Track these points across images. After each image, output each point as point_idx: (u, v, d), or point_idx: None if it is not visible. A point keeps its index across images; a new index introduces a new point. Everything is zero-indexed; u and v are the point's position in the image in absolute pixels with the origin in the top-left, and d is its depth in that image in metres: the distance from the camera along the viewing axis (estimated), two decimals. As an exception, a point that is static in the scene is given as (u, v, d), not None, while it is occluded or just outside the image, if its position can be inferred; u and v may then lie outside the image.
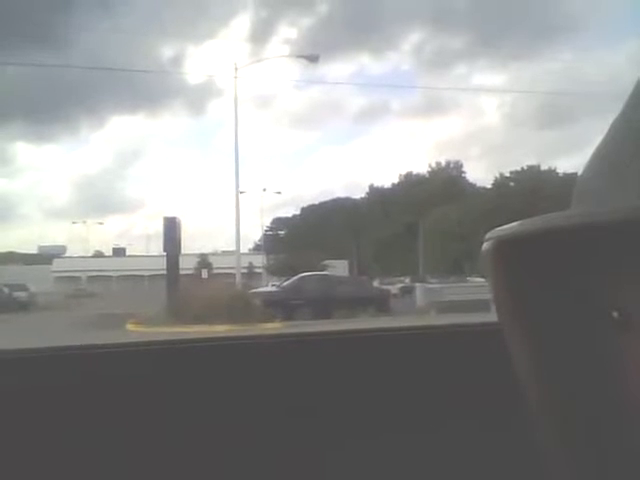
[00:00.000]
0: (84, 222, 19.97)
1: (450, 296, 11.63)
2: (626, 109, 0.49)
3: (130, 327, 10.49)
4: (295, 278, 12.72)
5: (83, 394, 1.20)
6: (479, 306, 10.32)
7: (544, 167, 24.10)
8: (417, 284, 14.55)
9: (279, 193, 20.35)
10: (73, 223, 20.33)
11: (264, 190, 19.21)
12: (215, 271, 15.74)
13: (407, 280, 17.61)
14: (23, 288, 14.17)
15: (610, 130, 0.50)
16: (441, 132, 28.47)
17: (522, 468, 1.00)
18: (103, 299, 16.29)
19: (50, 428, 1.18)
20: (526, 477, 0.94)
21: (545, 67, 21.71)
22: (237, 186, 13.22)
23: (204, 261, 16.26)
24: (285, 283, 12.87)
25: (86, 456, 1.18)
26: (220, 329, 9.26)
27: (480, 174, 31.65)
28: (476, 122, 26.41)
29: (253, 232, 24.16)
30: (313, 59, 13.00)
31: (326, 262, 15.71)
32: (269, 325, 10.06)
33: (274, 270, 15.86)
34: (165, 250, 11.90)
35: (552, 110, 22.97)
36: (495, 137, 26.23)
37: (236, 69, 13.40)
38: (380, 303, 12.03)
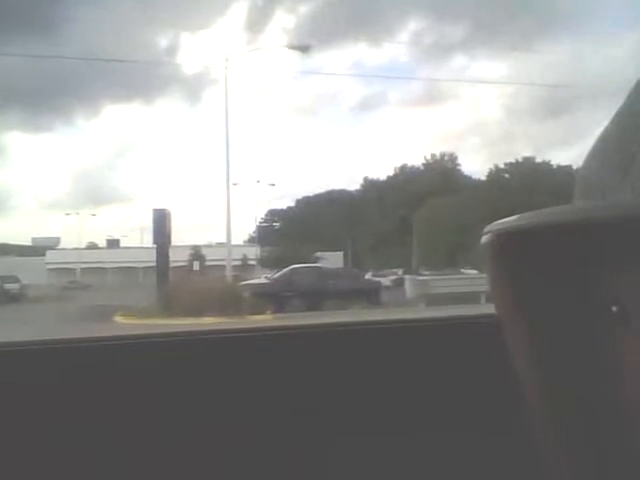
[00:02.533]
0: (77, 213, 19.93)
1: (439, 288, 11.69)
2: (630, 98, 0.48)
3: (119, 319, 10.52)
4: (286, 270, 12.69)
5: (78, 389, 1.18)
6: (468, 298, 10.41)
7: (543, 158, 24.09)
8: (406, 276, 14.59)
9: (273, 185, 20.33)
10: (66, 214, 20.28)
11: (258, 182, 19.22)
12: (209, 263, 15.71)
13: (400, 272, 17.67)
14: (14, 280, 14.15)
15: (613, 120, 0.48)
16: (438, 123, 28.43)
17: (521, 465, 0.98)
18: (96, 291, 16.29)
19: (45, 424, 1.15)
20: (525, 475, 0.93)
21: (547, 58, 21.57)
22: (228, 177, 13.21)
23: (197, 253, 16.22)
24: (276, 275, 12.86)
25: (82, 453, 1.16)
26: (207, 321, 9.26)
27: (477, 166, 31.69)
28: (474, 113, 26.41)
29: (249, 224, 24.17)
30: (304, 49, 12.99)
31: (318, 254, 15.67)
32: (258, 317, 10.05)
33: (266, 262, 15.84)
34: (155, 242, 11.91)
35: (553, 102, 22.92)
36: (494, 129, 26.20)
37: (227, 59, 13.34)
38: (371, 295, 12.04)
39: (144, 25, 18.31)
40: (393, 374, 1.29)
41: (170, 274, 13.31)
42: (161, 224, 11.66)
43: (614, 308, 0.42)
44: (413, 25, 30.85)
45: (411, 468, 1.26)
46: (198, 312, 9.53)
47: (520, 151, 24.76)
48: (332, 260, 16.18)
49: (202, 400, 1.22)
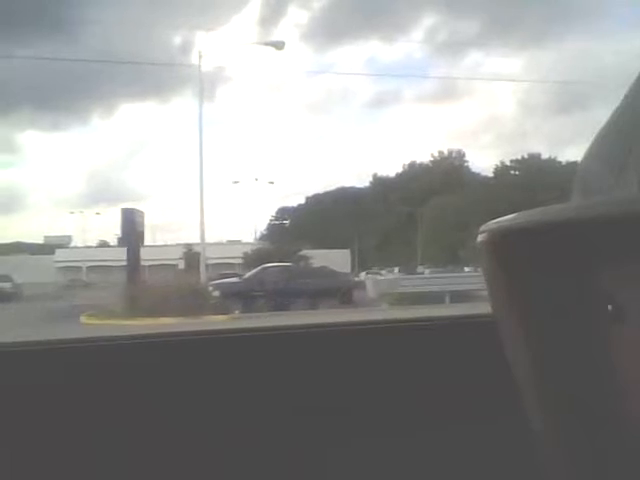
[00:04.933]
0: (81, 212, 20.19)
1: (406, 288, 11.60)
2: (627, 97, 0.48)
3: (84, 319, 10.60)
4: (256, 269, 12.63)
5: (78, 389, 1.19)
6: (432, 298, 10.33)
7: (551, 155, 23.58)
8: (369, 276, 14.51)
9: (272, 183, 20.27)
10: (70, 213, 20.55)
11: (256, 180, 19.21)
12: (214, 261, 15.67)
13: (396, 270, 17.56)
14: (7, 279, 14.35)
15: (610, 118, 0.48)
16: (450, 120, 28.02)
17: (521, 464, 0.98)
18: (93, 289, 16.43)
19: (45, 423, 1.16)
20: (525, 474, 0.92)
21: (564, 53, 21.00)
22: (201, 176, 13.19)
23: (189, 251, 16.26)
24: (247, 274, 12.78)
25: (83, 452, 1.17)
26: (164, 322, 9.28)
27: (487, 163, 31.15)
28: (487, 110, 25.97)
29: (262, 222, 24.19)
30: (279, 46, 12.97)
31: (302, 252, 15.39)
32: (217, 318, 10.03)
33: (250, 261, 15.72)
34: (124, 242, 11.94)
35: (566, 98, 22.35)
36: (506, 125, 25.69)
37: (201, 56, 13.34)
38: (343, 295, 11.91)
39: (122, 23, 18.29)
40: (393, 373, 1.28)
41: (151, 273, 13.39)
42: (130, 224, 11.66)
43: (609, 306, 0.42)
44: (426, 22, 30.46)
45: (412, 468, 1.25)
46: (158, 313, 9.55)
47: (532, 148, 24.27)
48: (330, 258, 15.93)
49: (202, 400, 1.22)
